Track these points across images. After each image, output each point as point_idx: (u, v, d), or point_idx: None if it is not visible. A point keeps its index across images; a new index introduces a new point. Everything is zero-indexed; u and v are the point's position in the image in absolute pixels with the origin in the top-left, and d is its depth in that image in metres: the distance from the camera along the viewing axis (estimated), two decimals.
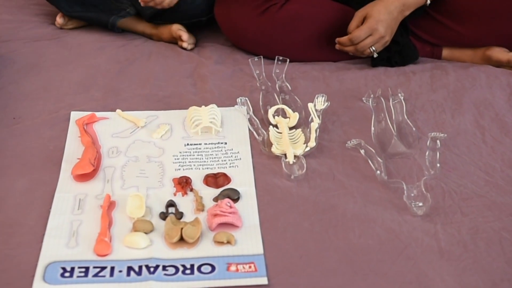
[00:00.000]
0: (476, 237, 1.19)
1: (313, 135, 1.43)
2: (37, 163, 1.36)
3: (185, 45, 1.83)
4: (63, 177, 1.33)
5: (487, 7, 1.71)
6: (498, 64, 1.75)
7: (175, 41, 1.86)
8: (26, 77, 1.66)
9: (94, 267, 1.12)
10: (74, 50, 1.81)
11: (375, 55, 1.70)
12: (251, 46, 1.78)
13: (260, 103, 1.57)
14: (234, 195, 1.28)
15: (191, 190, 1.31)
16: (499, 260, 1.15)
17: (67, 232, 1.19)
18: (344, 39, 1.68)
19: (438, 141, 1.40)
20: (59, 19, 1.93)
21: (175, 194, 1.30)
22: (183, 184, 1.32)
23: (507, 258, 1.15)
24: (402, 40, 1.75)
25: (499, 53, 1.75)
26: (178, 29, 1.84)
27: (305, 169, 1.34)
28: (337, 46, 1.70)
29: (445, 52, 1.82)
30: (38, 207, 1.25)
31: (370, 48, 1.68)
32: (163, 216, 1.23)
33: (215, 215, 1.21)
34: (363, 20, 1.67)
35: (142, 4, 1.73)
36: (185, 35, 1.82)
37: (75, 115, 1.50)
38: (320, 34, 1.76)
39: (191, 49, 1.85)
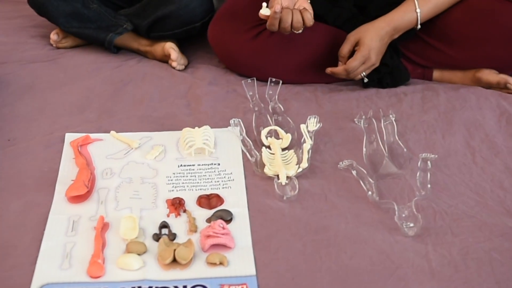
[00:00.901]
0: (467, 257, 1.19)
1: (305, 156, 1.43)
2: (31, 185, 1.36)
3: (174, 64, 1.84)
4: (57, 198, 1.32)
5: (477, 30, 1.72)
6: (488, 85, 1.75)
7: (167, 59, 1.86)
8: (21, 99, 1.66)
9: None
10: (70, 71, 1.81)
11: (366, 80, 1.71)
12: (244, 69, 1.78)
13: (253, 124, 1.57)
14: (227, 216, 1.28)
15: (184, 211, 1.30)
16: (489, 281, 1.14)
17: (60, 254, 1.18)
18: (339, 69, 1.69)
19: (429, 162, 1.40)
20: (53, 36, 1.93)
21: (168, 215, 1.29)
22: (176, 205, 1.31)
23: (498, 279, 1.15)
24: (393, 62, 1.75)
25: (489, 75, 1.76)
26: (169, 47, 1.84)
27: (297, 190, 1.34)
28: (328, 71, 1.71)
29: (436, 73, 1.82)
30: (32, 229, 1.24)
31: (361, 74, 1.69)
32: (156, 237, 1.23)
33: (208, 236, 1.20)
34: (355, 44, 1.68)
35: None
36: (174, 54, 1.83)
37: (69, 137, 1.50)
38: (312, 57, 1.76)
39: (183, 70, 1.85)
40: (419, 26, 1.71)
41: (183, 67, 1.86)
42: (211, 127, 1.52)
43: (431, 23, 1.78)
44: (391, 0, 1.84)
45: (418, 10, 1.69)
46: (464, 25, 1.74)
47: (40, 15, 1.93)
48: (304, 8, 1.58)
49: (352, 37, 1.69)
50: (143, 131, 1.55)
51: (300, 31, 1.60)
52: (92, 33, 1.89)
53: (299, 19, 1.57)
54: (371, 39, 1.66)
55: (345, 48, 1.69)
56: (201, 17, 1.84)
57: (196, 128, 1.51)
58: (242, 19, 1.76)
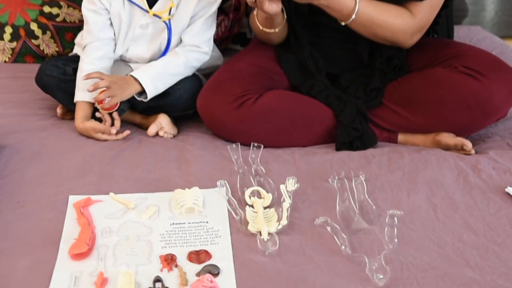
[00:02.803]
0: None
1: (285, 214, 1.43)
2: (37, 244, 1.34)
3: (161, 133, 1.84)
4: (61, 256, 1.30)
5: (435, 98, 1.74)
6: (447, 147, 1.77)
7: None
8: (30, 164, 1.66)
9: None
10: (73, 139, 1.80)
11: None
12: (229, 135, 1.79)
13: (238, 185, 1.57)
14: (214, 270, 1.26)
15: (176, 266, 1.29)
16: None
17: None
18: None
19: (395, 218, 1.40)
20: (59, 110, 1.94)
21: (161, 270, 1.28)
22: (169, 260, 1.30)
23: None
24: (363, 128, 1.77)
25: (447, 138, 1.77)
26: (153, 124, 1.84)
27: (278, 245, 1.33)
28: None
29: (400, 137, 1.84)
30: (38, 285, 1.22)
31: None
32: None
33: None
34: None
35: None
36: (151, 129, 1.82)
37: (73, 199, 1.49)
38: (289, 123, 1.77)
39: (174, 137, 1.85)
40: (353, 17, 1.69)
41: (171, 136, 1.86)
42: (200, 188, 1.52)
43: (395, 92, 1.80)
44: (360, 72, 1.87)
45: (357, 3, 1.69)
46: (424, 93, 1.76)
47: (45, 93, 1.94)
48: None
49: None
50: (139, 192, 1.54)
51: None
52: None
53: None
54: None
55: None
56: (194, 106, 1.84)
57: (187, 189, 1.51)
58: (226, 91, 1.77)
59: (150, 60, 1.91)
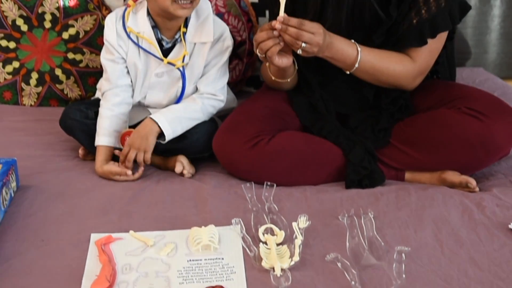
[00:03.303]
0: None
1: (297, 250, 1.45)
2: (60, 281, 1.37)
3: (184, 171, 1.87)
4: None
5: (440, 138, 1.76)
6: (452, 185, 1.78)
7: None
8: (54, 204, 1.69)
9: None
10: (95, 179, 1.84)
11: (299, 52, 1.66)
12: (244, 174, 1.81)
13: (252, 223, 1.59)
14: None
15: None
16: None
17: None
18: (294, 21, 1.62)
19: (403, 254, 1.41)
20: (81, 151, 1.99)
21: None
22: None
23: None
24: (371, 166, 1.79)
25: (452, 176, 1.78)
26: (178, 161, 1.88)
27: (290, 281, 1.35)
28: (277, 26, 1.63)
29: (407, 175, 1.85)
30: None
31: (302, 43, 1.63)
32: None
33: None
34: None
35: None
36: (178, 167, 1.86)
37: (94, 237, 1.52)
38: (301, 163, 1.79)
39: (192, 177, 1.88)
40: (356, 65, 1.73)
41: (190, 175, 1.88)
42: (216, 226, 1.54)
43: (402, 132, 1.83)
44: (368, 113, 1.90)
45: (359, 49, 1.73)
46: (429, 134, 1.78)
47: (68, 135, 1.98)
48: None
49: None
50: (157, 230, 1.56)
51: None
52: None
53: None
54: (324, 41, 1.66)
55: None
56: (210, 149, 1.87)
57: (203, 227, 1.53)
58: (241, 133, 1.80)
59: (167, 106, 1.95)
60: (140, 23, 1.91)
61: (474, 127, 1.73)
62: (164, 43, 1.93)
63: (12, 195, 1.70)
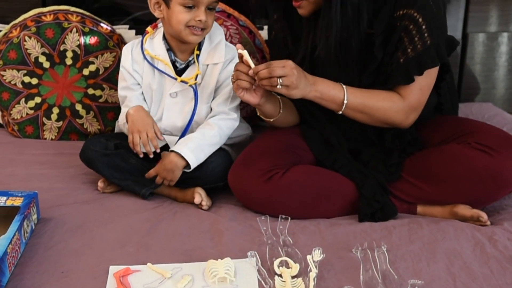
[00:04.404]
0: None
1: (311, 283, 1.44)
2: None
3: (203, 203, 1.88)
4: None
5: (451, 173, 1.76)
6: (463, 219, 1.77)
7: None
8: (73, 236, 1.69)
9: None
10: (113, 212, 1.84)
11: (279, 87, 1.66)
12: (259, 207, 1.81)
13: (267, 255, 1.58)
14: None
15: None
16: None
17: None
18: (262, 66, 1.67)
19: (416, 287, 1.40)
20: (100, 183, 2.00)
21: None
22: None
23: None
24: (383, 200, 1.78)
25: (464, 209, 1.77)
26: (197, 192, 1.89)
27: None
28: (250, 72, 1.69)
29: (419, 208, 1.84)
30: None
31: (278, 79, 1.65)
32: None
33: None
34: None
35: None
36: (197, 198, 1.87)
37: (113, 269, 1.52)
38: (315, 196, 1.80)
39: (208, 209, 1.88)
40: (345, 102, 1.75)
41: (207, 207, 1.89)
42: (232, 258, 1.54)
43: (414, 166, 1.82)
44: (380, 148, 1.90)
45: (344, 87, 1.75)
46: (440, 168, 1.78)
47: (88, 167, 2.00)
48: None
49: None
50: (174, 262, 1.56)
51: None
52: (130, 185, 1.95)
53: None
54: (298, 71, 1.69)
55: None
56: (224, 179, 1.89)
57: (219, 259, 1.52)
58: (256, 166, 1.81)
59: (182, 128, 1.98)
60: (156, 46, 1.99)
61: (484, 161, 1.72)
62: (178, 65, 1.99)
63: (33, 227, 1.71)
